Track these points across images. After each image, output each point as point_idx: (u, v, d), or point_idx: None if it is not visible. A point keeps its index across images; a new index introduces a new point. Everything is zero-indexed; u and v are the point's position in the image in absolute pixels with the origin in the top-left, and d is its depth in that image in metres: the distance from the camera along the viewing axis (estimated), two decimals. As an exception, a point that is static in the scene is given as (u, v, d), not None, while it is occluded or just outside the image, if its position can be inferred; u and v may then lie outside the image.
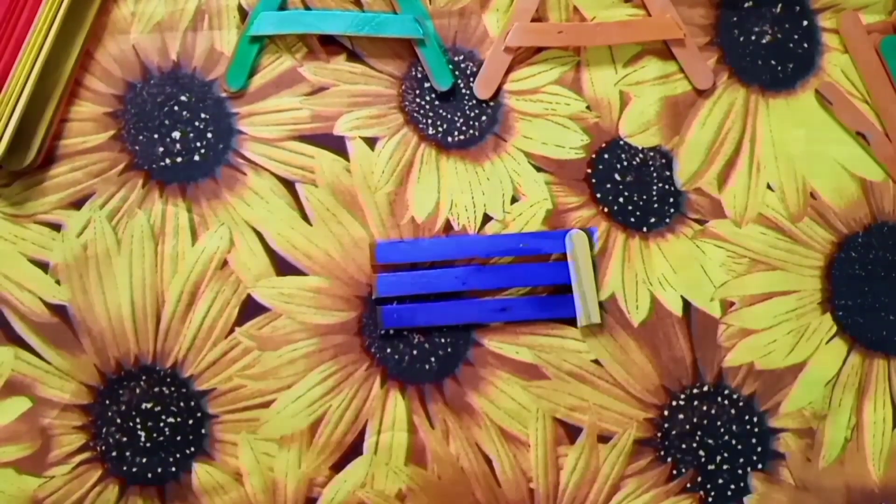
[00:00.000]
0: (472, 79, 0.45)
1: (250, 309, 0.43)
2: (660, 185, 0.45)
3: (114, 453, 0.43)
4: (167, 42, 0.45)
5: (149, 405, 0.43)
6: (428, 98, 0.45)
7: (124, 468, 0.43)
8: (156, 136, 0.44)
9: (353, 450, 0.43)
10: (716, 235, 0.45)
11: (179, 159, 0.44)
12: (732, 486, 0.44)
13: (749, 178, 0.45)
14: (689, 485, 0.44)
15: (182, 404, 0.43)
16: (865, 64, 0.46)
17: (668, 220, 0.45)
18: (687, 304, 0.44)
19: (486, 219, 0.44)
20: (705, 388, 0.44)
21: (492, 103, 0.45)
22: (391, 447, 0.43)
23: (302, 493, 0.43)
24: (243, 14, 0.45)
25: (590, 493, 0.43)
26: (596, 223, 0.45)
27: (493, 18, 0.45)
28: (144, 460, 0.43)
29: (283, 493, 0.43)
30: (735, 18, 0.46)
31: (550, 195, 0.45)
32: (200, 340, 0.43)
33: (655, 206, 0.45)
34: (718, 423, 0.44)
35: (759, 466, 0.44)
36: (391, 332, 0.44)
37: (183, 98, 0.45)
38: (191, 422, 0.43)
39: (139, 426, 0.43)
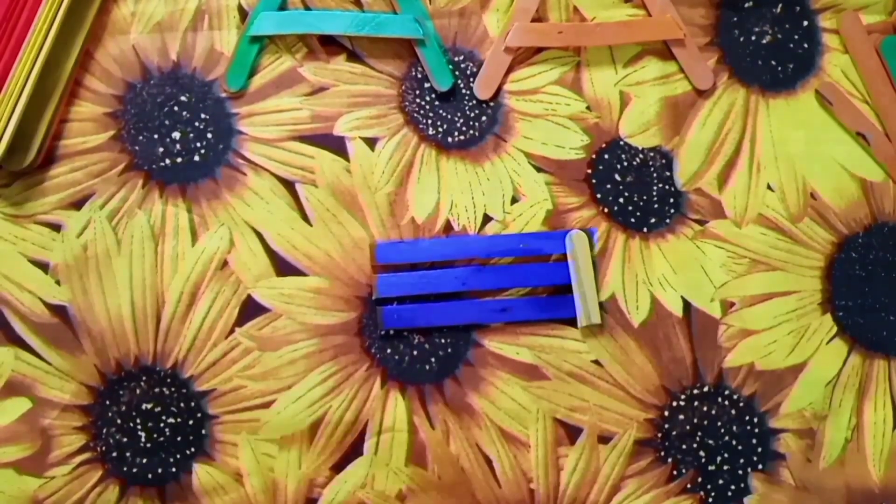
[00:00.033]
0: (472, 79, 0.45)
1: (250, 309, 0.43)
2: (660, 185, 0.45)
3: (114, 454, 0.43)
4: (167, 42, 0.45)
5: (149, 406, 0.43)
6: (428, 98, 0.45)
7: (125, 469, 0.43)
8: (156, 136, 0.44)
9: (354, 450, 0.43)
10: (716, 236, 0.45)
11: (179, 159, 0.44)
12: (733, 487, 0.44)
13: (749, 178, 0.45)
14: (689, 485, 0.44)
15: (182, 405, 0.43)
16: (865, 64, 0.45)
17: (668, 221, 0.45)
18: (687, 305, 0.44)
19: (487, 219, 0.44)
20: (706, 389, 0.44)
21: (492, 104, 0.45)
22: (391, 448, 0.43)
23: (302, 494, 0.43)
24: (243, 14, 0.45)
25: (590, 493, 0.43)
26: (596, 223, 0.45)
27: (493, 18, 0.45)
28: (145, 461, 0.43)
29: (284, 493, 0.43)
30: (735, 18, 0.46)
31: (550, 195, 0.45)
32: (200, 341, 0.43)
33: (656, 206, 0.45)
34: (719, 423, 0.44)
35: (760, 467, 0.44)
36: (391, 332, 0.44)
37: (183, 98, 0.44)
38: (191, 422, 0.43)
39: (139, 427, 0.43)
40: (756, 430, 0.44)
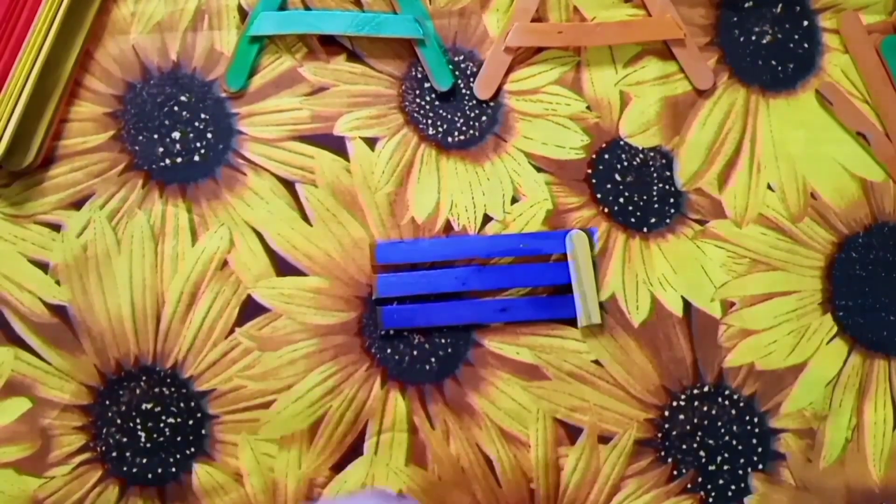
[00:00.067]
0: (472, 79, 0.45)
1: (250, 309, 0.43)
2: (660, 185, 0.45)
3: (114, 454, 0.43)
4: (167, 42, 0.45)
5: (149, 406, 0.43)
6: (428, 98, 0.45)
7: (124, 469, 0.43)
8: (156, 136, 0.44)
9: (354, 450, 0.43)
10: (716, 236, 0.45)
11: (179, 159, 0.44)
12: (733, 487, 0.44)
13: (749, 178, 0.45)
14: (689, 485, 0.44)
15: (182, 405, 0.43)
16: (866, 64, 0.45)
17: (668, 221, 0.45)
18: (687, 305, 0.44)
19: (487, 219, 0.44)
20: (706, 389, 0.44)
21: (492, 103, 0.45)
22: (391, 448, 0.43)
23: (302, 494, 0.43)
24: (243, 14, 0.45)
25: (590, 493, 0.43)
26: (596, 223, 0.45)
27: (493, 18, 0.45)
28: (145, 461, 0.43)
29: (284, 493, 0.43)
30: (735, 18, 0.46)
31: (551, 195, 0.45)
32: (200, 341, 0.43)
33: (656, 206, 0.45)
34: (719, 423, 0.44)
35: (760, 467, 0.44)
36: (391, 332, 0.44)
37: (183, 98, 0.44)
38: (191, 422, 0.43)
39: (139, 427, 0.43)
40: (756, 430, 0.44)
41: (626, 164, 0.45)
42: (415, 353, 0.44)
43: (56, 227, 0.43)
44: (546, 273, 0.44)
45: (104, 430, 0.43)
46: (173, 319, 0.43)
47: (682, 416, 0.44)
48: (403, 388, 0.43)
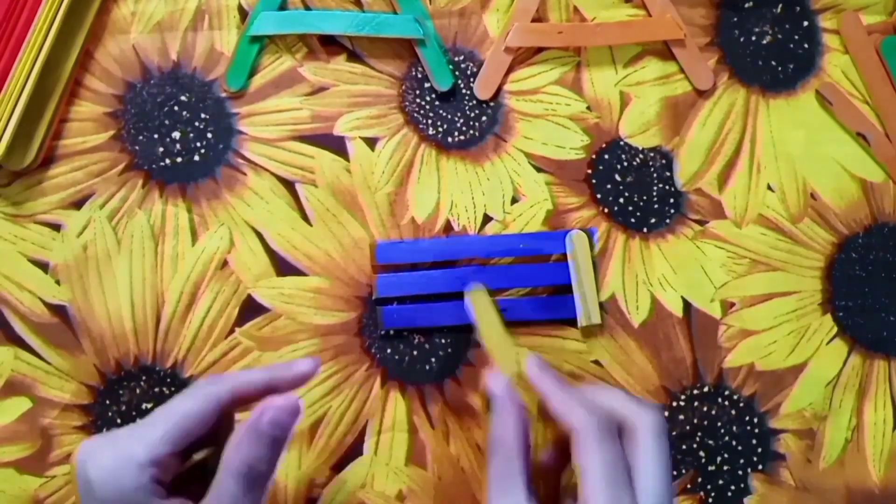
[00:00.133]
0: (472, 79, 0.45)
1: (250, 309, 0.43)
2: (660, 185, 0.45)
3: (114, 453, 0.43)
4: (167, 42, 0.45)
5: (149, 405, 0.43)
6: (428, 98, 0.45)
7: (124, 468, 0.43)
8: (156, 136, 0.44)
9: (354, 450, 0.43)
10: (716, 236, 0.45)
11: (179, 159, 0.44)
12: (733, 487, 0.44)
13: (749, 178, 0.45)
14: (689, 485, 0.44)
15: (182, 404, 0.43)
16: (866, 64, 0.45)
17: (668, 221, 0.45)
18: (687, 305, 0.44)
19: (487, 219, 0.44)
20: (706, 389, 0.44)
21: (492, 104, 0.45)
22: (391, 448, 0.43)
23: (302, 494, 0.43)
24: (243, 14, 0.45)
25: (590, 493, 0.43)
26: (596, 224, 0.45)
27: (494, 19, 0.45)
28: (144, 460, 0.43)
29: (283, 493, 0.43)
30: (735, 19, 0.46)
31: (551, 195, 0.45)
32: (200, 341, 0.43)
33: (656, 206, 0.45)
34: (719, 423, 0.44)
35: (760, 467, 0.44)
36: (391, 332, 0.44)
37: (183, 98, 0.44)
38: (191, 422, 0.43)
39: (139, 426, 0.43)
40: (756, 431, 0.44)
41: (626, 164, 0.45)
42: (415, 353, 0.44)
43: (56, 227, 0.43)
44: (546, 273, 0.44)
45: (104, 430, 0.43)
46: (173, 319, 0.43)
47: (681, 417, 0.44)
48: (403, 388, 0.44)
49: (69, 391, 0.43)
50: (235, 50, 0.44)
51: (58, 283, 0.43)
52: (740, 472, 0.44)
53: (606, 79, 0.45)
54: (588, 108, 0.45)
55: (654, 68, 0.46)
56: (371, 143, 0.44)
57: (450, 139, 0.45)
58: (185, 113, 0.44)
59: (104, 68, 0.44)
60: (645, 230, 0.45)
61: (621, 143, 0.45)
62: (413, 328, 0.44)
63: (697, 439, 0.44)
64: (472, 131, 0.45)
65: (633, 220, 0.45)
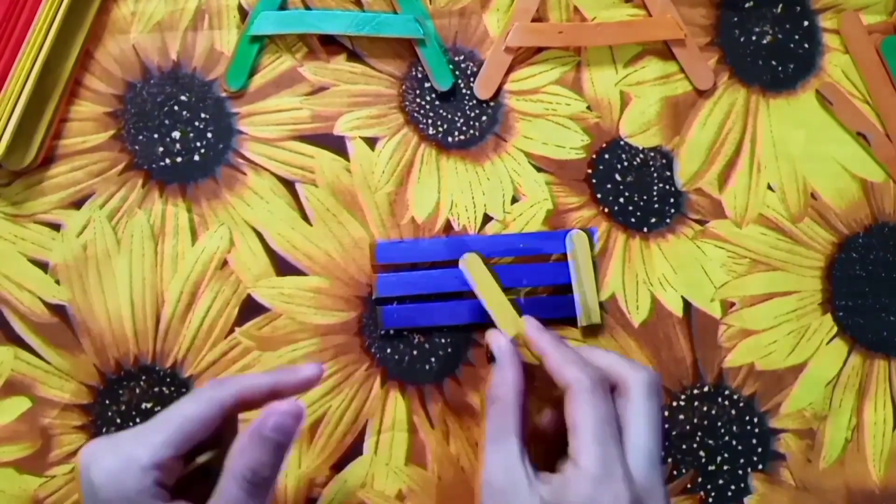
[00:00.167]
0: (472, 79, 0.45)
1: (250, 309, 0.43)
2: (660, 185, 0.45)
3: (114, 453, 0.43)
4: (167, 42, 0.45)
5: (149, 405, 0.43)
6: (428, 98, 0.45)
7: (124, 468, 0.43)
8: (156, 135, 0.44)
9: (353, 450, 0.43)
10: (716, 236, 0.45)
11: (179, 159, 0.44)
12: (733, 487, 0.44)
13: (749, 178, 0.45)
14: (689, 485, 0.44)
15: (182, 404, 0.43)
16: (866, 64, 0.45)
17: (668, 221, 0.45)
18: (687, 305, 0.44)
19: (487, 219, 0.44)
20: (706, 389, 0.44)
21: (492, 103, 0.45)
22: (391, 447, 0.43)
23: (302, 494, 0.43)
24: (243, 14, 0.45)
25: (590, 493, 0.43)
26: (596, 223, 0.45)
27: (494, 18, 0.45)
28: (144, 460, 0.43)
29: (283, 493, 0.43)
30: (736, 19, 0.46)
31: (551, 195, 0.45)
32: (200, 340, 0.43)
33: (656, 206, 0.45)
34: (719, 423, 0.44)
35: (760, 467, 0.44)
36: (391, 332, 0.44)
37: (183, 98, 0.44)
38: (191, 422, 0.43)
39: (139, 426, 0.43)
40: (756, 430, 0.44)
41: (626, 164, 0.45)
42: (415, 352, 0.44)
43: (56, 227, 0.43)
44: (546, 273, 0.44)
45: (104, 430, 0.43)
46: (173, 319, 0.43)
47: (681, 416, 0.44)
48: (403, 387, 0.44)
49: (69, 391, 0.43)
50: (235, 50, 0.44)
51: (57, 282, 0.43)
52: (740, 472, 0.44)
53: (607, 78, 0.45)
54: (588, 107, 0.45)
55: (654, 68, 0.46)
56: (371, 142, 0.44)
57: (450, 139, 0.45)
58: (185, 113, 0.44)
59: (104, 68, 0.44)
60: (645, 230, 0.45)
61: (621, 142, 0.45)
62: (413, 328, 0.44)
63: (697, 439, 0.44)
64: (472, 131, 0.45)
65: (633, 219, 0.45)
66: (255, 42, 0.44)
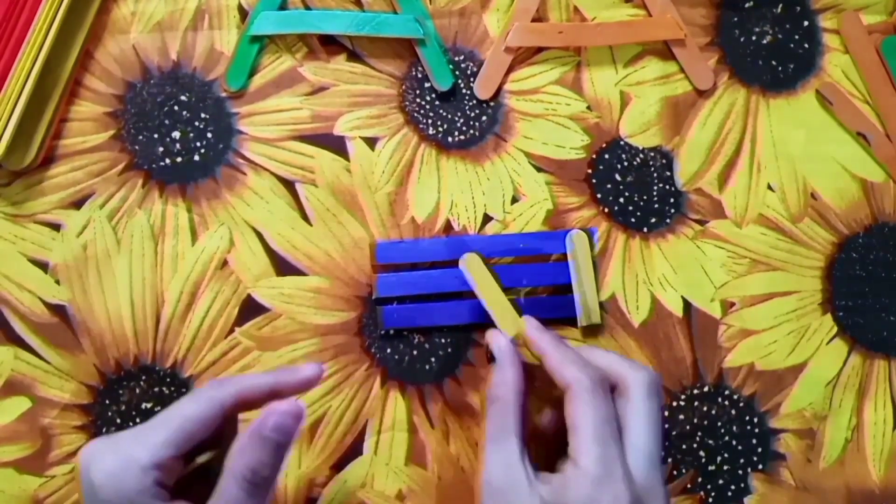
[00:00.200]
0: (472, 79, 0.45)
1: (250, 309, 0.43)
2: (660, 185, 0.45)
3: (114, 453, 0.43)
4: (167, 42, 0.45)
5: (149, 405, 0.43)
6: (428, 98, 0.45)
7: (124, 468, 0.43)
8: (156, 135, 0.44)
9: (353, 450, 0.43)
10: (716, 236, 0.45)
11: (179, 159, 0.44)
12: (733, 487, 0.44)
13: (749, 178, 0.45)
14: (689, 485, 0.44)
15: (182, 404, 0.43)
16: (866, 64, 0.45)
17: (668, 221, 0.45)
18: (687, 305, 0.44)
19: (487, 219, 0.44)
20: (706, 389, 0.44)
21: (492, 103, 0.45)
22: (391, 447, 0.43)
23: (302, 494, 0.43)
24: (243, 14, 0.45)
25: (590, 493, 0.43)
26: (596, 223, 0.45)
27: (494, 18, 0.45)
28: (144, 460, 0.43)
29: (283, 493, 0.43)
30: (736, 18, 0.46)
31: (551, 195, 0.45)
32: (200, 340, 0.43)
33: (656, 206, 0.45)
34: (719, 423, 0.44)
35: (760, 467, 0.44)
36: (391, 332, 0.44)
37: (183, 98, 0.44)
38: (191, 422, 0.43)
39: (139, 426, 0.43)
40: (756, 430, 0.44)
41: (626, 164, 0.45)
42: (415, 352, 0.44)
43: (56, 227, 0.43)
44: (546, 273, 0.44)
45: (104, 430, 0.43)
46: (173, 319, 0.43)
47: (682, 416, 0.44)
48: (403, 387, 0.44)
49: (69, 391, 0.43)
50: (235, 50, 0.44)
51: (57, 282, 0.43)
52: (740, 472, 0.44)
53: (607, 78, 0.45)
54: (588, 107, 0.45)
55: (654, 68, 0.46)
56: (371, 142, 0.44)
57: (450, 139, 0.45)
58: (185, 113, 0.44)
59: (104, 68, 0.44)
60: (645, 230, 0.45)
61: (621, 142, 0.45)
62: (413, 328, 0.44)
63: (697, 439, 0.44)
64: (472, 131, 0.45)
65: (633, 219, 0.45)
66: (255, 42, 0.44)
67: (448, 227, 0.44)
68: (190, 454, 0.32)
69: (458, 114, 0.45)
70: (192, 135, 0.44)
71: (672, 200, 0.45)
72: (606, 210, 0.45)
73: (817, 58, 0.46)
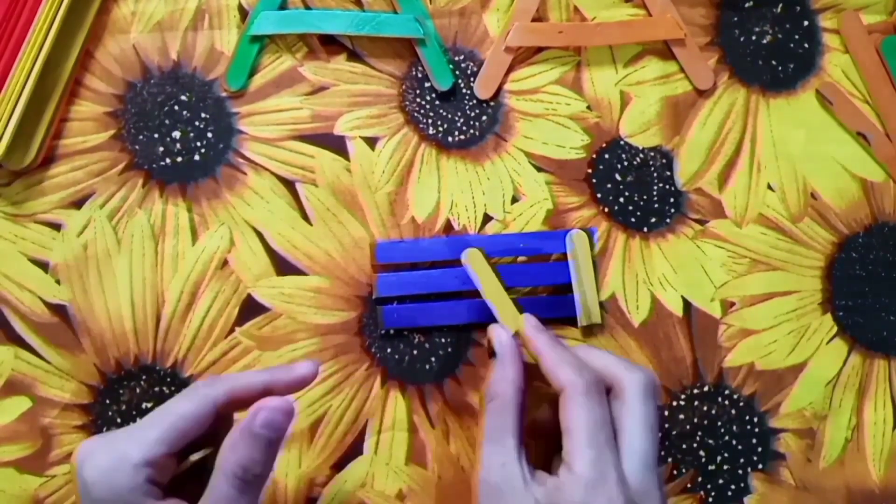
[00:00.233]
0: (472, 79, 0.45)
1: (250, 309, 0.43)
2: (660, 185, 0.45)
3: (114, 453, 0.43)
4: (167, 41, 0.45)
5: (149, 405, 0.43)
6: (428, 98, 0.45)
7: (124, 468, 0.43)
8: (156, 135, 0.44)
9: (354, 450, 0.43)
10: (716, 235, 0.45)
11: (179, 159, 0.44)
12: (733, 487, 0.44)
13: (749, 178, 0.45)
14: (689, 485, 0.44)
15: (182, 404, 0.43)
16: (866, 64, 0.45)
17: (668, 221, 0.45)
18: (687, 305, 0.44)
19: (487, 219, 0.44)
20: (706, 389, 0.44)
21: (492, 103, 0.45)
22: (391, 447, 0.43)
23: (302, 493, 0.43)
24: (243, 14, 0.45)
25: (590, 493, 0.43)
26: (596, 223, 0.45)
27: (494, 18, 0.45)
28: (144, 460, 0.43)
29: (283, 492, 0.43)
30: (736, 18, 0.46)
31: (551, 195, 0.45)
32: (200, 340, 0.43)
33: (656, 206, 0.45)
34: (719, 423, 0.44)
35: (760, 467, 0.44)
36: (391, 332, 0.44)
37: (183, 98, 0.44)
38: (191, 421, 0.43)
39: (139, 426, 0.43)
40: (756, 430, 0.44)
41: (626, 163, 0.45)
42: (415, 352, 0.44)
43: (56, 227, 0.43)
44: (546, 273, 0.44)
45: (105, 430, 0.43)
46: (173, 319, 0.43)
47: (681, 416, 0.44)
48: (403, 387, 0.44)
49: (69, 390, 0.43)
50: (235, 49, 0.44)
51: (58, 282, 0.43)
52: (740, 472, 0.44)
53: (607, 78, 0.45)
54: (588, 107, 0.45)
55: (654, 68, 0.46)
56: (371, 142, 0.44)
57: (450, 139, 0.45)
58: (185, 112, 0.44)
59: (104, 68, 0.44)
60: (645, 230, 0.45)
61: (621, 142, 0.45)
62: (413, 328, 0.44)
63: (697, 439, 0.44)
64: (472, 131, 0.45)
65: (633, 219, 0.45)
66: (256, 42, 0.44)
67: (448, 226, 0.44)
68: (184, 452, 0.32)
69: (459, 113, 0.45)
70: (192, 134, 0.44)
71: (672, 200, 0.45)
72: (606, 210, 0.45)
73: (817, 58, 0.46)
